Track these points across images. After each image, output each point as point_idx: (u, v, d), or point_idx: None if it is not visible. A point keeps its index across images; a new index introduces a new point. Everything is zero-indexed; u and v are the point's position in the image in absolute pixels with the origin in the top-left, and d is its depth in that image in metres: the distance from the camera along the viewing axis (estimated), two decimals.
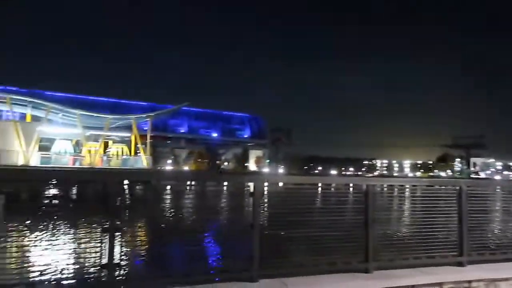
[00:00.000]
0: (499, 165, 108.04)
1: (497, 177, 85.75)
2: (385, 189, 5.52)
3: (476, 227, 5.61)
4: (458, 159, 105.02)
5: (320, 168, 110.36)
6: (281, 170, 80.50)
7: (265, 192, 4.84)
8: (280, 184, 5.46)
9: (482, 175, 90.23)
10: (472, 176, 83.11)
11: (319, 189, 5.35)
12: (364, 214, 5.00)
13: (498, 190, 6.51)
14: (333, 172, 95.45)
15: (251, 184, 4.67)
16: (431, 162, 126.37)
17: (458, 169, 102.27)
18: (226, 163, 76.98)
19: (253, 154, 78.00)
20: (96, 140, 45.72)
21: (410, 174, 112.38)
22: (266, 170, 73.32)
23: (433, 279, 4.98)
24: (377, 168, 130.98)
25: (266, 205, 4.93)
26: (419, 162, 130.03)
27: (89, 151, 43.33)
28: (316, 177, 7.99)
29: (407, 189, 5.95)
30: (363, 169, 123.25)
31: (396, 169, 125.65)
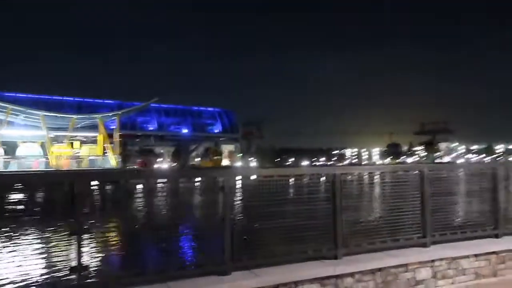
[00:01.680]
0: (462, 149, 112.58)
1: (460, 161, 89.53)
2: (351, 177, 5.69)
3: (438, 208, 5.89)
4: (424, 145, 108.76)
5: (292, 159, 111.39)
6: (253, 163, 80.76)
7: (236, 186, 4.90)
8: (252, 177, 5.53)
9: (447, 159, 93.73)
10: (436, 160, 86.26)
11: (289, 180, 5.43)
12: (332, 203, 5.15)
13: (459, 172, 6.81)
14: (305, 163, 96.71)
15: (221, 179, 4.72)
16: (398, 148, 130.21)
17: (424, 154, 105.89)
18: (198, 159, 76.39)
19: (225, 149, 77.78)
20: (62, 141, 44.36)
21: (379, 161, 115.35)
22: (238, 164, 73.34)
23: (399, 261, 5.21)
24: (347, 157, 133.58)
25: (237, 198, 5.01)
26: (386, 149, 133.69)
27: (54, 153, 41.99)
28: (284, 169, 8.12)
29: (373, 176, 6.13)
30: (333, 158, 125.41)
31: (365, 157, 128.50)
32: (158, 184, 5.08)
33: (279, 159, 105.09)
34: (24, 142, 43.70)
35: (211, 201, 4.91)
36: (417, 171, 5.87)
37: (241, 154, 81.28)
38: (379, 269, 5.06)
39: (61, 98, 61.67)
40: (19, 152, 42.52)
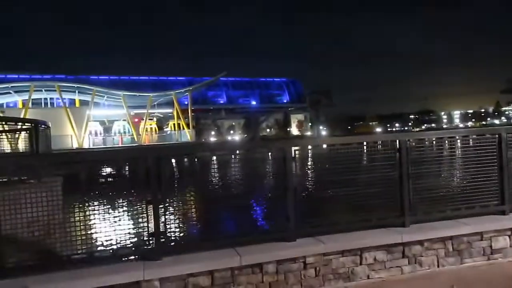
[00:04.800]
0: None
1: None
2: (419, 143, 5.45)
3: None
4: None
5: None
6: (324, 132, 79.62)
7: (297, 156, 4.96)
8: (309, 147, 5.56)
9: None
10: None
11: (354, 148, 5.34)
12: (398, 169, 5.02)
13: None
14: (378, 129, 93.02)
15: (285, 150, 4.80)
16: (482, 110, 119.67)
17: None
18: (268, 130, 77.26)
19: (294, 119, 77.49)
20: (142, 118, 47.68)
21: (461, 125, 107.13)
22: (308, 133, 72.88)
23: (473, 228, 4.96)
24: (424, 120, 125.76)
25: (302, 168, 5.09)
26: (470, 111, 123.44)
27: (141, 130, 45.53)
28: (348, 137, 7.93)
29: (443, 142, 5.80)
30: (409, 123, 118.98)
31: (444, 120, 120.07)
32: (228, 156, 5.33)
33: (350, 127, 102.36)
34: (117, 120, 48.13)
35: (278, 171, 5.01)
36: (493, 135, 5.43)
37: (311, 123, 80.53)
38: (450, 237, 4.89)
39: (137, 78, 65.74)
40: (113, 129, 47.19)
